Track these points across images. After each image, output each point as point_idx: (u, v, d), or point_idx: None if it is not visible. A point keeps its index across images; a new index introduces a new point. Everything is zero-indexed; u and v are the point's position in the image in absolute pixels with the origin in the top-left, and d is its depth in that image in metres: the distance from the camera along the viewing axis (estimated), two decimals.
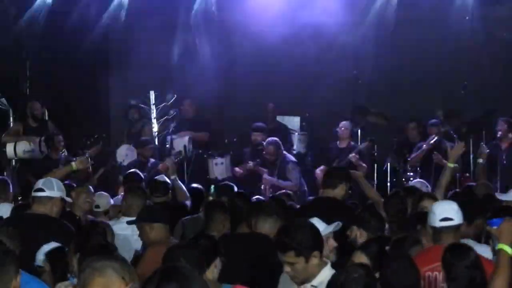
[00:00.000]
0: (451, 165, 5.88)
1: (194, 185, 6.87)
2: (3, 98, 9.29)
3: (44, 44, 9.64)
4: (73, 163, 6.93)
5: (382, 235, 4.51)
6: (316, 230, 3.87)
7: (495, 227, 3.51)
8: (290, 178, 8.20)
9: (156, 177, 6.63)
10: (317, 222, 3.93)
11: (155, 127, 9.26)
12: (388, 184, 8.25)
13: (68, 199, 5.51)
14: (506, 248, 3.34)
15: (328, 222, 4.04)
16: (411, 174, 8.32)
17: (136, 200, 5.64)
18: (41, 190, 5.22)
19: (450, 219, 3.99)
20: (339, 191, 5.32)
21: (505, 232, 3.40)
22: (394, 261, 3.48)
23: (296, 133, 8.95)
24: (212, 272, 3.64)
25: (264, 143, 8.38)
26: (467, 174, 8.39)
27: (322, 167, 8.34)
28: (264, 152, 8.34)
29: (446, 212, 4.04)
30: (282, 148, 8.39)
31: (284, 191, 6.91)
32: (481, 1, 9.21)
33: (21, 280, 3.04)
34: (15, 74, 9.88)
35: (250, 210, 4.85)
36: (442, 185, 5.86)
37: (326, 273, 3.60)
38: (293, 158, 8.51)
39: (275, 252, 3.81)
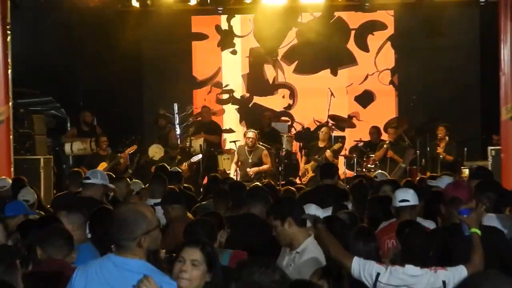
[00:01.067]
0: (403, 165, 8.41)
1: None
2: (62, 109, 12.00)
3: (93, 63, 12.03)
4: (120, 159, 9.34)
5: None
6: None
7: (465, 216, 4.15)
8: (266, 162, 10.79)
9: (170, 169, 8.60)
10: (315, 209, 4.50)
11: (178, 131, 11.89)
12: (354, 173, 10.71)
13: (111, 186, 6.69)
14: (477, 231, 4.06)
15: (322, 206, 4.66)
16: (372, 166, 10.79)
17: (158, 186, 6.70)
18: (88, 178, 6.51)
19: (407, 201, 4.87)
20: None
21: (474, 220, 4.13)
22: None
23: (285, 135, 11.54)
24: (219, 240, 4.36)
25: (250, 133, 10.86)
26: (414, 167, 10.85)
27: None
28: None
29: (404, 196, 4.92)
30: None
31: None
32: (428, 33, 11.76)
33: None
34: (71, 89, 12.43)
35: (246, 196, 5.87)
36: (396, 176, 8.36)
37: (309, 242, 4.22)
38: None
39: (266, 229, 4.60)
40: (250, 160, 10.77)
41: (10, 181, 7.75)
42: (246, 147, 10.83)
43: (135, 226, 2.96)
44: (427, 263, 3.90)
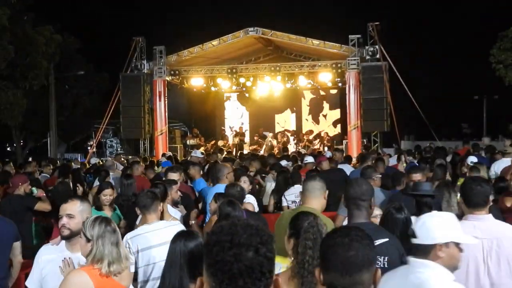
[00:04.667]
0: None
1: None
2: (186, 128, 29.29)
3: (196, 110, 29.61)
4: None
5: None
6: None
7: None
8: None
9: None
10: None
11: (229, 135, 28.57)
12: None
13: (202, 155, 21.65)
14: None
15: None
16: (300, 148, 26.72)
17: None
18: (192, 154, 17.05)
19: (311, 162, 11.98)
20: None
21: None
22: None
23: (268, 136, 27.76)
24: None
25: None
26: (315, 148, 26.64)
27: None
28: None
29: (309, 159, 12.19)
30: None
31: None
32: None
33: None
34: (189, 121, 29.95)
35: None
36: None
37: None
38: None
39: None
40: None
41: (167, 153, 24.28)
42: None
43: None
44: None
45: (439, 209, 5.50)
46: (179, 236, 3.92)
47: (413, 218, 3.60)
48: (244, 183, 8.08)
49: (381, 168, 10.62)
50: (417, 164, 11.29)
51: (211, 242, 1.92)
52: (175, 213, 6.76)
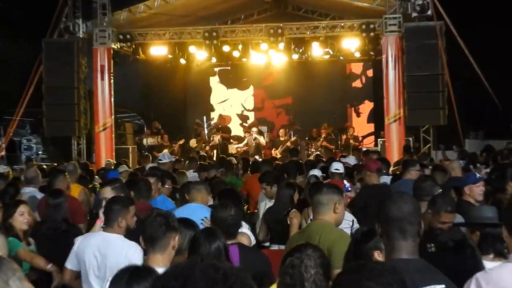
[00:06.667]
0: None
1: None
2: (142, 120, 29.32)
3: (159, 96, 29.59)
4: (174, 148, 26.25)
5: None
6: (276, 174, 12.16)
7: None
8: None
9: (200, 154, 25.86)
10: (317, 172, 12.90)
11: (206, 132, 28.67)
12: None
13: (173, 159, 18.18)
14: None
15: None
16: (314, 150, 26.71)
17: (193, 163, 22.83)
18: (160, 160, 16.25)
19: (338, 169, 12.28)
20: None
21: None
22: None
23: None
24: None
25: None
26: (337, 150, 26.66)
27: None
28: None
29: (337, 166, 12.45)
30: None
31: None
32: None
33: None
34: (147, 110, 30.05)
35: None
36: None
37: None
38: None
39: None
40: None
41: (112, 160, 23.96)
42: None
43: None
44: None
45: None
46: (122, 274, 4.18)
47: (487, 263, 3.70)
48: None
49: (439, 181, 10.71)
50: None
51: None
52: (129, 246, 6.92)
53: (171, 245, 5.79)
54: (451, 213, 7.01)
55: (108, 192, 8.59)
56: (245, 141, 28.05)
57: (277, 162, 18.57)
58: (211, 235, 5.83)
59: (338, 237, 6.12)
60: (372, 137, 29.49)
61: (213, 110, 32.33)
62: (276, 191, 10.47)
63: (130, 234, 7.13)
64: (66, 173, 11.47)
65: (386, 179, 12.28)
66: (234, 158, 20.33)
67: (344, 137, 27.37)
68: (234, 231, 6.73)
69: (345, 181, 11.77)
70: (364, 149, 24.81)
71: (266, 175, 11.77)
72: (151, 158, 21.79)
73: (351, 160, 17.29)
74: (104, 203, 7.56)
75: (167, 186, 11.43)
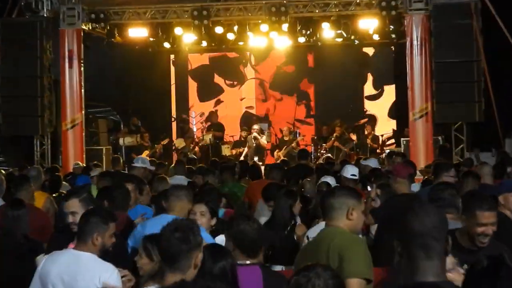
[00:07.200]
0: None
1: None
2: (118, 116, 27.86)
3: (138, 86, 28.18)
4: (157, 149, 24.78)
5: None
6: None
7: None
8: None
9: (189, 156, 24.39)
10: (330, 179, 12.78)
11: (195, 129, 27.22)
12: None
13: (151, 168, 15.83)
14: None
15: None
16: (324, 152, 25.23)
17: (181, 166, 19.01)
18: (134, 163, 15.57)
19: (355, 175, 13.15)
20: None
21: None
22: None
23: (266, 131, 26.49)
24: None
25: None
26: (352, 152, 25.20)
27: None
28: None
29: (353, 171, 13.32)
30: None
31: None
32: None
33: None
34: (124, 103, 28.70)
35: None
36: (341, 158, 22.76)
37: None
38: None
39: None
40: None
41: (81, 163, 22.59)
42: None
43: None
44: None
45: None
46: None
47: None
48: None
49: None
50: None
51: None
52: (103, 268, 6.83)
53: (193, 264, 5.77)
54: (489, 211, 6.95)
55: (75, 206, 8.05)
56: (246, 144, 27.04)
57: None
58: (217, 253, 6.13)
59: (350, 241, 6.31)
60: (391, 134, 28.64)
61: (203, 102, 31.21)
62: (275, 202, 10.44)
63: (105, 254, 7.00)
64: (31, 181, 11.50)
65: (414, 187, 11.67)
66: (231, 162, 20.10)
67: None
68: (257, 248, 6.78)
69: (368, 187, 11.81)
70: (387, 150, 24.32)
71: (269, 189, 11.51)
72: (121, 161, 21.44)
73: (373, 162, 16.86)
74: (70, 217, 7.73)
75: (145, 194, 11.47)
